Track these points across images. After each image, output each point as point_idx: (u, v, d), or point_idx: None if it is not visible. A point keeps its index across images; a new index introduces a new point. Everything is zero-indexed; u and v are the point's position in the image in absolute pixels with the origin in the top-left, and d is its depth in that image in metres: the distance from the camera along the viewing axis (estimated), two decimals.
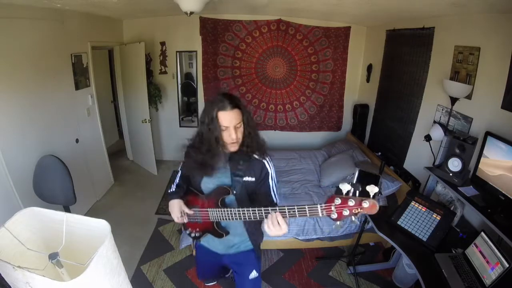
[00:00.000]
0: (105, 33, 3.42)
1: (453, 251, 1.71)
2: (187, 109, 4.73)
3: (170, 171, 4.06)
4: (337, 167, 2.93)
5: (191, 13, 2.31)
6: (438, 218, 1.83)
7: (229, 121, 1.15)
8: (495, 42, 1.88)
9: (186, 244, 2.33)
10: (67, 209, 1.99)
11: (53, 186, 1.97)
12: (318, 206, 0.98)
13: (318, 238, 2.50)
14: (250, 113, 1.27)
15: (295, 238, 2.46)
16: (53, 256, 0.68)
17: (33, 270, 0.60)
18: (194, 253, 2.49)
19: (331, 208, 0.95)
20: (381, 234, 1.89)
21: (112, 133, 4.78)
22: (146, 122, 3.60)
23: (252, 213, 1.12)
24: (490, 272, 1.45)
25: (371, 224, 2.03)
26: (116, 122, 4.93)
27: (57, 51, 2.56)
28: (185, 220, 1.36)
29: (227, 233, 1.35)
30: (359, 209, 0.90)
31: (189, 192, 1.38)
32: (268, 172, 1.29)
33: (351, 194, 0.91)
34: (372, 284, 2.27)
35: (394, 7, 2.42)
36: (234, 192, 1.24)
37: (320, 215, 0.98)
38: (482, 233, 1.58)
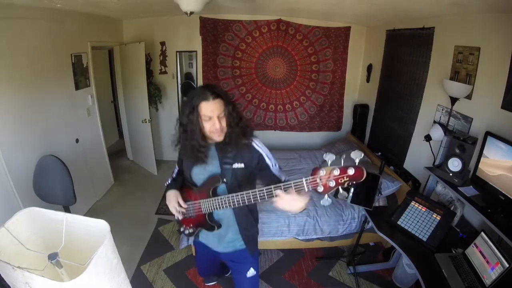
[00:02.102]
0: (105, 33, 3.42)
1: (453, 251, 1.71)
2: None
3: (170, 171, 4.04)
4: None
5: (191, 13, 2.31)
6: (438, 218, 1.83)
7: (211, 111, 1.15)
8: (495, 42, 1.88)
9: (186, 244, 2.33)
10: (67, 209, 1.99)
11: (53, 186, 1.97)
12: (303, 180, 0.96)
13: (318, 238, 2.50)
14: (233, 100, 1.25)
15: (295, 238, 2.46)
16: (52, 257, 0.68)
17: (32, 271, 0.60)
18: (194, 253, 2.50)
19: (316, 180, 0.93)
20: (381, 234, 1.89)
21: (112, 133, 4.78)
22: (146, 122, 3.60)
23: (241, 197, 1.13)
24: (490, 272, 1.45)
25: (371, 224, 2.03)
26: (116, 122, 4.93)
27: (57, 51, 2.56)
28: (180, 216, 1.37)
29: (219, 225, 1.34)
30: (344, 177, 0.88)
31: (184, 186, 1.39)
32: (260, 153, 1.28)
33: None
34: (372, 284, 2.27)
35: (394, 7, 2.42)
36: (224, 180, 1.24)
37: (306, 189, 0.96)
38: (482, 233, 1.58)
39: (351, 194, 2.05)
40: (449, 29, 2.29)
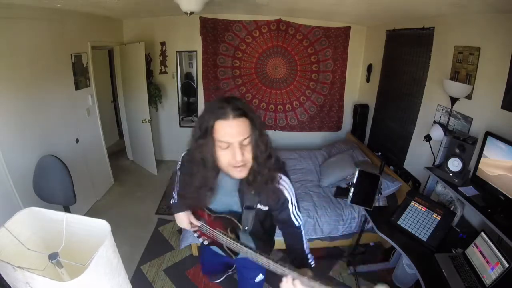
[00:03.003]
0: (105, 33, 3.42)
1: (453, 251, 1.71)
2: (187, 109, 4.73)
3: (170, 171, 4.06)
4: (337, 167, 2.93)
5: (191, 13, 2.31)
6: (438, 218, 1.83)
7: (231, 135, 0.83)
8: (495, 42, 1.88)
9: (186, 244, 2.33)
10: (67, 209, 1.99)
11: (53, 186, 1.97)
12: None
13: (318, 238, 2.50)
14: (263, 123, 0.93)
15: None
16: (53, 256, 0.68)
17: (33, 270, 0.60)
18: (194, 253, 2.50)
19: None
20: (381, 234, 1.88)
21: (112, 133, 4.78)
22: (146, 122, 3.60)
23: (266, 263, 0.93)
24: (490, 272, 1.45)
25: (371, 224, 2.03)
26: (116, 122, 4.93)
27: (57, 51, 2.56)
28: (196, 228, 1.25)
29: (237, 254, 1.17)
30: None
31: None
32: (287, 199, 1.02)
33: None
34: (372, 284, 2.27)
35: (394, 7, 2.42)
36: (246, 228, 1.03)
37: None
38: (482, 233, 1.58)
39: (351, 194, 2.06)
40: (449, 29, 2.29)
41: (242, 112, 0.84)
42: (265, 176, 0.91)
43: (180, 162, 1.19)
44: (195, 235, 1.35)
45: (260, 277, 1.40)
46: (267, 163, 0.91)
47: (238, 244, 1.00)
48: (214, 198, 1.03)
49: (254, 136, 0.86)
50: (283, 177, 1.00)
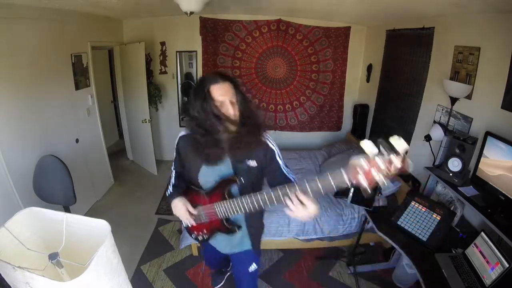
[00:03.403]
0: (105, 33, 3.42)
1: (453, 251, 1.71)
2: (187, 109, 4.72)
3: (170, 171, 4.05)
4: (337, 167, 2.92)
5: (191, 13, 2.31)
6: (438, 218, 1.83)
7: (222, 94, 1.04)
8: (495, 42, 1.88)
9: (186, 244, 2.34)
10: (67, 209, 1.99)
11: (53, 186, 1.97)
12: (344, 173, 0.81)
13: (318, 238, 2.49)
14: (242, 91, 1.15)
15: (295, 238, 2.46)
16: (53, 256, 0.68)
17: (33, 270, 0.60)
18: (194, 253, 2.50)
19: (357, 176, 0.78)
20: (381, 234, 1.89)
21: (112, 133, 4.78)
22: (146, 122, 3.60)
23: (268, 197, 0.99)
24: (490, 272, 1.45)
25: (371, 224, 2.03)
26: (116, 122, 4.93)
27: (57, 51, 2.56)
28: (192, 223, 1.27)
29: (239, 226, 1.25)
30: (392, 168, 0.73)
31: (189, 191, 1.28)
32: (274, 151, 1.17)
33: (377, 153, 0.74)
34: (372, 284, 2.27)
35: (394, 7, 2.42)
36: (241, 179, 1.12)
37: (349, 183, 0.81)
38: (482, 233, 1.58)
39: (351, 194, 2.06)
40: (449, 29, 2.29)
41: (227, 78, 1.10)
42: (249, 128, 1.10)
43: (177, 142, 1.29)
44: (192, 236, 1.36)
45: (253, 266, 1.47)
46: (251, 117, 1.12)
47: (237, 201, 1.07)
48: (207, 170, 1.18)
49: (239, 96, 1.10)
50: (267, 134, 1.18)
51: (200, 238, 1.34)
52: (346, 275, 2.36)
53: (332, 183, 0.84)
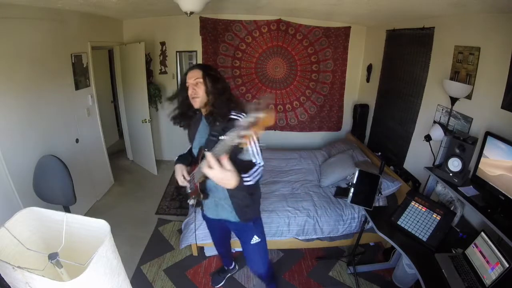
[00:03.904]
0: (105, 33, 3.42)
1: (453, 251, 1.71)
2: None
3: (170, 171, 4.06)
4: (337, 167, 2.93)
5: (191, 13, 2.31)
6: (438, 218, 1.83)
7: (189, 78, 1.34)
8: (495, 42, 1.88)
9: (186, 244, 2.34)
10: (67, 209, 1.99)
11: (53, 186, 1.97)
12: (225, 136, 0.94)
13: (318, 238, 2.50)
14: (215, 74, 1.37)
15: (295, 238, 2.46)
16: (53, 256, 0.68)
17: (32, 270, 0.60)
18: (194, 253, 2.50)
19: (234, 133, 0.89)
20: (381, 234, 1.89)
21: (112, 133, 4.78)
22: (146, 122, 3.60)
23: (225, 143, 1.06)
24: (490, 272, 1.45)
25: (371, 224, 2.03)
26: (116, 122, 4.93)
27: (57, 51, 2.56)
28: (188, 189, 1.49)
29: (206, 195, 1.45)
30: (249, 122, 0.83)
31: (192, 161, 1.52)
32: None
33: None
34: (372, 284, 2.27)
35: (394, 7, 2.42)
36: (205, 149, 1.29)
37: (231, 142, 0.92)
38: (482, 233, 1.58)
39: (351, 194, 2.06)
40: (449, 29, 2.29)
41: (198, 66, 1.37)
42: (221, 103, 1.31)
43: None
44: (188, 202, 1.52)
45: (256, 238, 1.64)
46: (220, 97, 1.32)
47: (204, 157, 1.21)
48: (195, 139, 1.47)
49: (207, 79, 1.32)
50: (242, 112, 1.32)
51: (191, 203, 1.51)
52: (346, 275, 2.36)
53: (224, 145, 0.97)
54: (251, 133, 0.85)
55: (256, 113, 0.82)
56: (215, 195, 1.49)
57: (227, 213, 1.55)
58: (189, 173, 1.47)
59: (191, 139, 1.51)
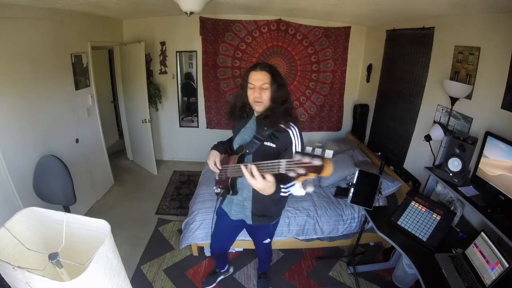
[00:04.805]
0: (105, 33, 3.42)
1: (453, 251, 1.71)
2: (187, 109, 4.72)
3: (170, 171, 4.06)
4: (337, 167, 2.92)
5: (191, 13, 2.31)
6: (438, 218, 1.83)
7: (255, 80, 1.29)
8: (495, 42, 1.88)
9: (186, 244, 2.34)
10: (67, 209, 1.99)
11: (53, 186, 1.97)
12: (284, 161, 0.97)
13: (318, 238, 2.50)
14: (285, 84, 1.37)
15: (295, 238, 2.46)
16: (53, 256, 0.68)
17: (33, 270, 0.60)
18: (194, 253, 2.50)
19: (291, 165, 0.93)
20: (381, 234, 1.89)
21: (112, 133, 4.78)
22: (146, 122, 3.60)
23: (247, 167, 1.15)
24: (490, 272, 1.45)
25: (371, 224, 2.03)
26: (116, 122, 4.93)
27: (57, 51, 2.56)
28: (217, 176, 1.54)
29: (235, 192, 1.46)
30: (310, 164, 0.88)
31: (228, 151, 1.56)
32: (292, 142, 1.32)
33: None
34: (372, 284, 2.27)
35: (394, 7, 2.42)
36: (247, 151, 1.34)
37: (283, 171, 0.97)
38: (482, 233, 1.58)
39: (351, 194, 2.06)
40: (449, 29, 2.29)
41: (267, 68, 1.31)
42: (279, 111, 1.31)
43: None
44: (214, 189, 1.58)
45: (268, 240, 1.80)
46: (281, 106, 1.32)
47: (236, 164, 1.30)
48: (239, 134, 1.46)
49: (273, 85, 1.29)
50: (293, 125, 1.34)
51: (217, 190, 1.56)
52: (346, 275, 2.36)
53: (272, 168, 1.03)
54: (307, 177, 0.90)
55: (319, 159, 0.86)
56: (241, 193, 1.50)
57: (244, 214, 1.58)
58: (222, 162, 1.47)
59: (236, 132, 1.51)
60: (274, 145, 1.32)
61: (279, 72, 1.37)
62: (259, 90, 1.29)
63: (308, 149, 0.98)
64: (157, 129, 4.21)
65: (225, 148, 1.58)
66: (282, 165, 0.97)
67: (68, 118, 2.78)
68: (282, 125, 1.32)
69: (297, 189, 1.01)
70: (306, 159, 0.89)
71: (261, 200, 1.45)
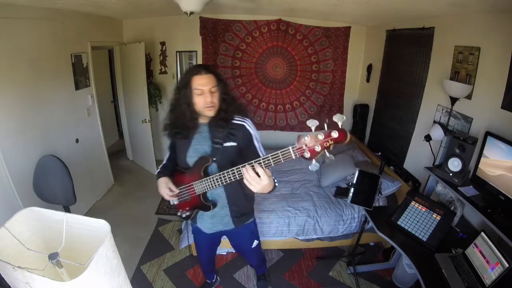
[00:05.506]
0: (105, 33, 3.42)
1: (453, 251, 1.71)
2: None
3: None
4: (337, 167, 2.92)
5: (191, 13, 2.31)
6: (438, 218, 1.83)
7: (202, 84, 1.19)
8: (495, 42, 1.88)
9: (186, 244, 2.34)
10: (67, 209, 1.99)
11: (53, 186, 1.97)
12: (290, 148, 0.95)
13: (318, 238, 2.50)
14: (225, 80, 1.31)
15: (295, 238, 2.46)
16: (53, 256, 0.68)
17: (33, 270, 0.60)
18: (194, 253, 2.50)
19: (302, 147, 0.93)
20: (381, 234, 1.88)
21: (112, 133, 4.78)
22: (146, 122, 3.60)
23: (231, 173, 1.10)
24: (490, 272, 1.45)
25: (371, 224, 2.03)
26: (116, 122, 4.93)
27: (57, 51, 2.56)
28: (175, 201, 1.40)
29: (215, 204, 1.37)
30: (329, 141, 0.89)
31: (175, 172, 1.41)
32: (251, 134, 1.30)
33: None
34: (372, 284, 2.27)
35: (394, 7, 2.42)
36: (214, 159, 1.26)
37: (294, 157, 0.94)
38: (482, 233, 1.58)
39: (351, 194, 2.06)
40: (449, 29, 2.29)
41: (210, 70, 1.23)
42: (232, 110, 1.27)
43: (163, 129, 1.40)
44: (178, 214, 1.46)
45: (255, 243, 1.69)
46: (232, 104, 1.28)
47: (209, 178, 1.21)
48: (191, 148, 1.32)
49: (219, 86, 1.24)
50: (245, 118, 1.31)
51: (183, 215, 1.43)
52: (346, 275, 2.36)
53: (282, 159, 0.97)
54: (322, 151, 0.88)
55: (334, 131, 0.85)
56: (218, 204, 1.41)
57: (223, 224, 1.48)
58: (176, 184, 1.36)
59: (182, 148, 1.35)
60: (235, 143, 1.27)
61: (217, 70, 1.33)
62: (209, 94, 1.20)
63: (314, 122, 0.96)
64: (157, 129, 4.20)
65: (170, 171, 1.43)
66: (290, 151, 0.94)
67: (68, 118, 2.78)
68: (236, 120, 1.28)
69: (313, 165, 0.96)
70: (321, 137, 0.88)
71: (237, 200, 1.41)
